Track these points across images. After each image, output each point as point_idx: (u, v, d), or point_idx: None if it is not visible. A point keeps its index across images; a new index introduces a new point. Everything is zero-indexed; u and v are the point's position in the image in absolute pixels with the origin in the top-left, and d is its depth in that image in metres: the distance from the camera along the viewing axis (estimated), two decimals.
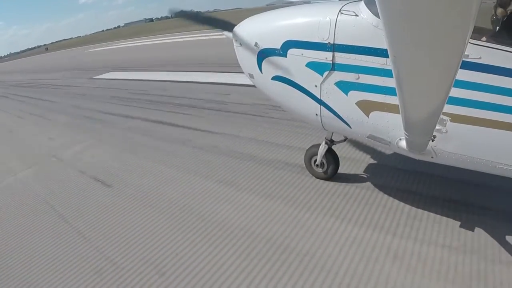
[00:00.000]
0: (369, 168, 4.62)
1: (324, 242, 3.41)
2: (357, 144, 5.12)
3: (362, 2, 3.00)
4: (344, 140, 4.31)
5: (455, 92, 2.49)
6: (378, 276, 2.94)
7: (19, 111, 14.36)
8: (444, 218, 3.47)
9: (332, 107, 3.41)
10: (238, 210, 4.14)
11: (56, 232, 4.47)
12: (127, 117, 9.47)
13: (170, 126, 7.96)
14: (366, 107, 3.15)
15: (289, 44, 3.43)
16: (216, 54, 15.52)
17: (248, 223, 3.89)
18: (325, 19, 3.13)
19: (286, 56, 3.49)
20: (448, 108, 2.36)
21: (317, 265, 3.15)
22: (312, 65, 3.34)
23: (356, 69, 3.07)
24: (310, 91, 3.48)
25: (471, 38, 2.20)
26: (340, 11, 3.08)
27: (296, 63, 3.45)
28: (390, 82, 2.84)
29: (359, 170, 4.61)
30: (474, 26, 1.19)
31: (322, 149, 4.22)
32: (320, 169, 4.44)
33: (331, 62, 3.20)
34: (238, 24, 4.15)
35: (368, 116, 3.19)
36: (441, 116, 2.52)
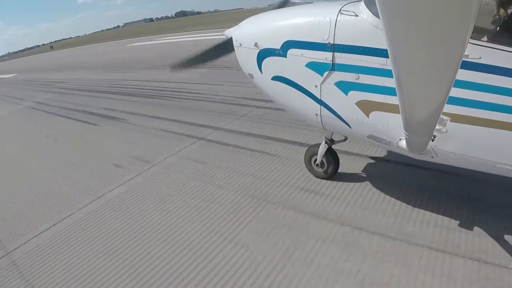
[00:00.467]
0: (369, 167, 4.62)
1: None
2: (358, 143, 5.13)
3: (362, 2, 3.00)
4: (345, 139, 4.31)
5: (455, 92, 2.49)
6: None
7: None
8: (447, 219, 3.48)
9: (332, 107, 3.42)
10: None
11: None
12: None
13: None
14: (366, 107, 3.16)
15: (289, 44, 3.44)
16: None
17: None
18: (325, 19, 3.14)
19: (286, 56, 3.49)
20: (448, 108, 2.36)
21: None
22: (312, 65, 3.34)
23: (356, 69, 3.07)
24: (310, 91, 3.48)
25: (471, 38, 2.21)
26: (340, 11, 3.08)
27: (296, 63, 3.45)
28: (390, 82, 2.84)
29: (360, 169, 4.61)
30: (474, 26, 1.19)
31: (322, 148, 4.22)
32: (320, 168, 4.44)
33: (331, 62, 3.20)
34: (238, 24, 4.15)
35: (368, 116, 3.19)
36: (441, 116, 2.52)
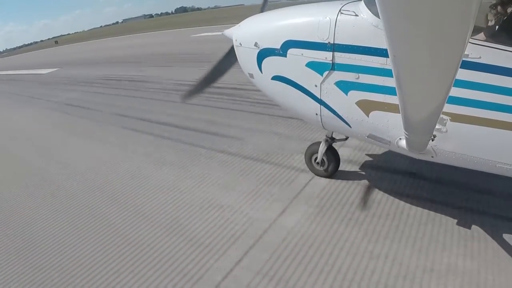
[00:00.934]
0: (369, 166, 4.62)
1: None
2: (358, 142, 5.13)
3: (362, 2, 3.00)
4: (345, 138, 4.31)
5: (455, 92, 2.49)
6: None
7: None
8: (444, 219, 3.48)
9: (332, 107, 3.42)
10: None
11: None
12: None
13: None
14: (366, 106, 3.16)
15: (289, 44, 3.44)
16: None
17: None
18: (325, 19, 3.14)
19: (286, 56, 3.50)
20: (448, 107, 2.37)
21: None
22: (312, 65, 3.35)
23: (356, 69, 3.07)
24: (310, 90, 3.48)
25: (471, 38, 2.21)
26: (340, 11, 3.08)
27: (296, 63, 3.45)
28: (390, 82, 2.84)
29: (360, 168, 4.62)
30: (474, 26, 1.20)
31: (323, 147, 4.23)
32: (321, 167, 4.45)
33: (331, 62, 3.20)
34: (238, 24, 4.15)
35: (368, 116, 3.19)
36: (441, 115, 2.52)
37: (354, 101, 3.21)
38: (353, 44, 3.02)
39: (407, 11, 1.14)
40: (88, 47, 44.45)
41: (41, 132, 9.46)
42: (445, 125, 2.73)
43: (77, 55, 34.89)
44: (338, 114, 3.41)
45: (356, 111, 3.24)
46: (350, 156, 4.94)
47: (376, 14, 2.78)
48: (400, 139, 3.08)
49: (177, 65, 16.09)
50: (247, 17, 4.10)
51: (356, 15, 2.98)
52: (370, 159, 4.82)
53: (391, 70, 1.64)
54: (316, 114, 3.58)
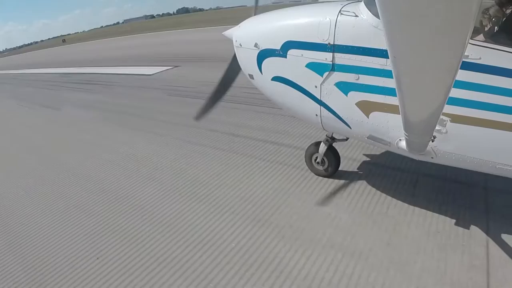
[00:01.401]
0: (370, 165, 4.62)
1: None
2: (358, 142, 5.12)
3: (362, 3, 3.00)
4: (346, 139, 4.30)
5: (455, 93, 2.49)
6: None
7: None
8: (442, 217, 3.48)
9: (332, 108, 3.42)
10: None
11: None
12: None
13: None
14: (366, 107, 3.16)
15: (289, 45, 3.44)
16: None
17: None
18: (325, 20, 3.14)
19: (286, 57, 3.49)
20: (448, 108, 2.37)
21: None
22: (312, 66, 3.34)
23: (356, 69, 3.07)
24: (310, 91, 3.48)
25: (471, 38, 2.21)
26: (340, 11, 3.08)
27: (296, 64, 3.45)
28: (390, 83, 2.84)
29: (360, 167, 4.62)
30: (474, 26, 1.20)
31: (323, 146, 4.22)
32: (321, 166, 4.44)
33: (331, 62, 3.20)
34: (238, 25, 4.15)
35: (368, 117, 3.19)
36: (441, 116, 2.52)
37: (354, 102, 3.20)
38: (353, 45, 3.02)
39: (407, 12, 1.14)
40: (107, 45, 40.66)
41: None
42: (445, 126, 2.73)
43: (111, 52, 30.45)
44: (338, 115, 3.41)
45: (356, 112, 3.24)
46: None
47: (376, 15, 2.78)
48: (400, 140, 3.08)
49: None
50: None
51: (356, 16, 2.98)
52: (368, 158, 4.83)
53: (391, 71, 1.64)
54: (316, 115, 3.58)
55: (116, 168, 6.04)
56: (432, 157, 3.03)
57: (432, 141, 2.71)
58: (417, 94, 1.79)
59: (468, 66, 2.45)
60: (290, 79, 3.59)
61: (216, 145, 6.18)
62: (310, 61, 3.34)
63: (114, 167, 6.10)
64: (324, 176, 4.49)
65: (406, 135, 2.55)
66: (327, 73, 3.26)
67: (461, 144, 2.80)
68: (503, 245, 3.07)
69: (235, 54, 4.18)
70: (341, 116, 3.40)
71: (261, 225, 3.80)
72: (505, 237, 3.15)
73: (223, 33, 4.44)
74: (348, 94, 3.22)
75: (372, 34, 2.87)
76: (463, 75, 2.42)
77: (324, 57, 3.22)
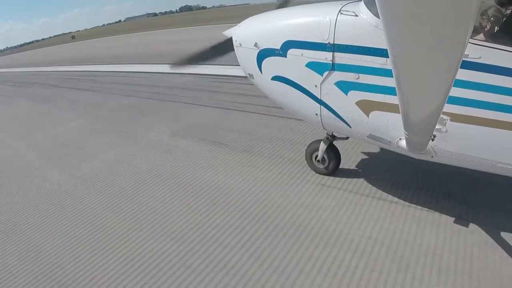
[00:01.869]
0: (370, 164, 4.62)
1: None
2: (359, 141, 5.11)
3: (362, 3, 3.01)
4: (346, 138, 4.30)
5: (455, 92, 2.49)
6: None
7: None
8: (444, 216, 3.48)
9: (332, 107, 3.42)
10: None
11: None
12: None
13: None
14: (366, 107, 3.16)
15: (289, 44, 3.44)
16: None
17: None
18: (325, 19, 3.14)
19: (286, 56, 3.50)
20: (448, 107, 2.37)
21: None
22: (312, 65, 3.35)
23: (356, 69, 3.07)
24: (310, 91, 3.48)
25: (471, 38, 2.21)
26: (340, 11, 3.09)
27: (296, 63, 3.45)
28: (390, 82, 2.84)
29: (361, 166, 4.62)
30: (474, 26, 1.20)
31: (323, 144, 4.23)
32: (321, 164, 4.45)
33: (331, 62, 3.21)
34: (238, 24, 4.16)
35: (368, 116, 3.19)
36: (441, 115, 2.52)
37: (354, 101, 3.21)
38: (353, 45, 3.02)
39: (407, 12, 1.14)
40: (116, 42, 38.06)
41: None
42: (445, 125, 2.73)
43: (130, 49, 27.27)
44: (338, 114, 3.42)
45: (356, 111, 3.24)
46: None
47: (376, 15, 2.78)
48: (400, 139, 3.08)
49: None
50: None
51: (356, 16, 2.98)
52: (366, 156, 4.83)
53: (391, 70, 1.64)
54: (316, 114, 3.58)
55: None
56: (432, 156, 3.03)
57: (432, 140, 2.72)
58: (417, 93, 1.80)
59: (468, 65, 2.45)
60: (290, 79, 3.59)
61: None
62: (310, 61, 3.34)
63: None
64: (325, 174, 4.49)
65: (406, 134, 2.55)
66: (327, 72, 3.27)
67: (461, 143, 2.81)
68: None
69: (227, 40, 4.18)
70: (341, 115, 3.40)
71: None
72: None
73: (223, 32, 4.44)
74: (348, 94, 3.22)
75: (372, 33, 2.87)
76: (463, 74, 2.42)
77: (324, 57, 3.22)
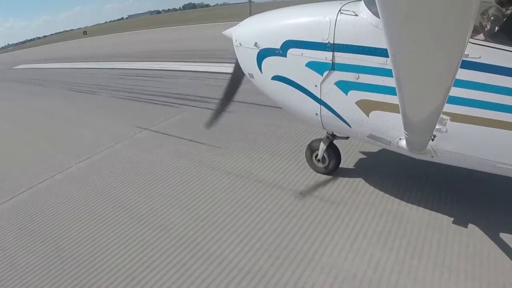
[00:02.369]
0: (370, 163, 4.62)
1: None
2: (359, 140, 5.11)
3: (362, 2, 3.00)
4: (347, 137, 4.30)
5: (455, 92, 2.50)
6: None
7: None
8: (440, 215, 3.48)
9: (332, 107, 3.42)
10: None
11: None
12: None
13: None
14: (366, 106, 3.16)
15: (289, 44, 3.44)
16: None
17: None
18: (325, 19, 3.14)
19: (286, 56, 3.49)
20: (448, 107, 2.37)
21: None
22: (312, 65, 3.34)
23: (356, 68, 3.07)
24: (310, 90, 3.48)
25: (471, 38, 2.21)
26: (340, 11, 3.08)
27: (296, 63, 3.45)
28: (390, 82, 2.84)
29: (361, 165, 4.62)
30: (474, 26, 1.20)
31: (324, 144, 4.23)
32: (322, 164, 4.45)
33: (331, 61, 3.20)
34: (238, 24, 4.15)
35: (368, 116, 3.19)
36: (441, 115, 2.52)
37: (354, 101, 3.20)
38: (353, 44, 3.02)
39: (407, 11, 1.14)
40: (136, 38, 35.81)
41: None
42: (445, 125, 2.73)
43: (145, 45, 25.81)
44: (338, 114, 3.41)
45: (356, 111, 3.24)
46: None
47: (376, 14, 2.77)
48: (400, 139, 3.08)
49: None
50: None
51: (356, 15, 2.98)
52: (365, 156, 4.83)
53: (391, 70, 1.64)
54: (316, 114, 3.58)
55: None
56: (432, 156, 3.03)
57: (432, 140, 2.72)
58: (417, 93, 1.80)
59: (468, 65, 2.45)
60: (290, 78, 3.59)
61: None
62: (310, 60, 3.34)
63: None
64: (325, 174, 4.49)
65: (406, 134, 2.55)
66: (327, 72, 3.26)
67: (461, 143, 2.80)
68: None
69: (237, 64, 4.20)
70: (341, 115, 3.40)
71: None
72: None
73: (222, 32, 4.44)
74: (348, 93, 3.22)
75: (372, 33, 2.87)
76: (463, 74, 2.42)
77: (324, 56, 3.22)
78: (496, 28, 2.74)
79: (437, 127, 2.59)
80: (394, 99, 2.83)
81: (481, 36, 2.64)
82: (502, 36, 2.54)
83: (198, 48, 18.48)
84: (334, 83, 3.27)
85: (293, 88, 3.61)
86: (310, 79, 3.41)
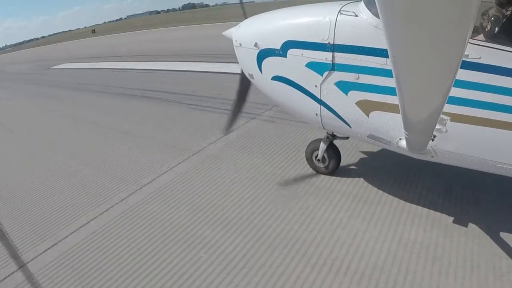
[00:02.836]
0: (370, 163, 4.62)
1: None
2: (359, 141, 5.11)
3: (362, 3, 3.00)
4: (347, 138, 4.30)
5: (455, 92, 2.49)
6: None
7: None
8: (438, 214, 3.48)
9: (332, 107, 3.42)
10: None
11: None
12: None
13: None
14: (366, 107, 3.16)
15: (289, 44, 3.44)
16: None
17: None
18: (324, 19, 3.14)
19: (286, 56, 3.50)
20: (448, 107, 2.37)
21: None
22: (312, 65, 3.35)
23: (356, 69, 3.07)
24: (310, 91, 3.48)
25: (471, 38, 2.21)
26: (339, 11, 3.09)
27: (296, 63, 3.45)
28: (390, 82, 2.84)
29: (361, 165, 4.62)
30: (475, 27, 1.20)
31: (324, 144, 4.23)
32: (322, 164, 4.45)
33: (331, 62, 3.21)
34: (238, 24, 4.15)
35: (368, 116, 3.19)
36: (441, 115, 2.52)
37: (354, 101, 3.21)
38: (353, 45, 3.02)
39: (407, 12, 1.14)
40: (149, 37, 33.03)
41: None
42: (445, 125, 2.73)
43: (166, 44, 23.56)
44: (338, 114, 3.41)
45: (356, 111, 3.24)
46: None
47: (376, 15, 2.78)
48: (400, 139, 3.08)
49: None
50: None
51: (356, 16, 2.98)
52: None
53: (391, 70, 1.64)
54: (316, 114, 3.58)
55: None
56: (432, 156, 3.03)
57: (432, 140, 2.72)
58: (417, 94, 1.80)
59: (468, 65, 2.45)
60: (290, 79, 3.59)
61: None
62: (310, 61, 3.34)
63: None
64: (325, 174, 4.49)
65: (406, 134, 2.55)
66: (327, 72, 3.27)
67: (461, 143, 2.81)
68: None
69: (241, 80, 4.30)
70: (341, 115, 3.40)
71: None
72: None
73: (222, 33, 4.45)
74: (348, 94, 3.22)
75: (372, 33, 2.87)
76: (463, 75, 2.42)
77: (324, 57, 3.22)
78: (496, 28, 2.74)
79: (437, 127, 2.59)
80: (394, 99, 2.83)
81: (481, 36, 2.64)
82: (502, 37, 2.54)
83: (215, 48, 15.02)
84: (334, 84, 3.27)
85: (293, 89, 3.61)
86: (310, 80, 3.41)
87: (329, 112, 3.46)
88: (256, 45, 3.73)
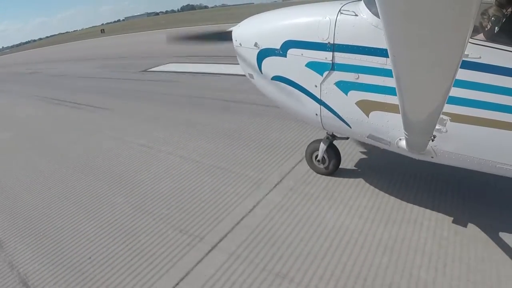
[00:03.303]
0: (370, 163, 4.62)
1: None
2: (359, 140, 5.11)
3: (362, 2, 3.00)
4: (347, 138, 4.29)
5: (455, 92, 2.49)
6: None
7: None
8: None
9: (332, 107, 3.42)
10: None
11: None
12: None
13: None
14: (366, 107, 3.16)
15: (289, 44, 3.44)
16: None
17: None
18: (324, 19, 3.14)
19: (286, 56, 3.49)
20: (448, 107, 2.36)
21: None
22: (312, 65, 3.34)
23: (356, 69, 3.07)
24: (310, 91, 3.48)
25: (471, 38, 2.21)
26: (339, 11, 3.08)
27: (296, 63, 3.45)
28: (390, 82, 2.84)
29: (361, 165, 4.61)
30: (475, 26, 1.20)
31: (324, 144, 4.23)
32: (322, 164, 4.44)
33: (331, 62, 3.20)
34: (238, 24, 4.15)
35: (368, 116, 3.19)
36: (441, 115, 2.52)
37: (354, 101, 3.20)
38: (353, 44, 3.02)
39: (407, 11, 1.14)
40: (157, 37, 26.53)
41: None
42: (445, 126, 2.73)
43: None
44: (338, 114, 3.41)
45: (356, 112, 3.24)
46: None
47: (376, 14, 2.77)
48: (400, 139, 3.08)
49: None
50: None
51: (356, 15, 2.98)
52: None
53: (391, 70, 1.64)
54: (316, 114, 3.58)
55: None
56: (432, 157, 3.03)
57: (432, 141, 2.72)
58: (417, 93, 1.79)
59: (468, 65, 2.45)
60: (290, 79, 3.59)
61: None
62: (310, 61, 3.34)
63: None
64: (325, 174, 4.49)
65: (406, 134, 2.55)
66: (327, 72, 3.26)
67: (461, 143, 2.80)
68: None
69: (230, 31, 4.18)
70: (341, 115, 3.40)
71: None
72: None
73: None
74: (348, 94, 3.22)
75: (372, 33, 2.87)
76: (463, 74, 2.42)
77: (324, 57, 3.22)
78: (496, 28, 2.74)
79: (437, 127, 2.59)
80: (394, 99, 2.83)
81: (481, 36, 2.64)
82: (502, 37, 2.54)
83: None
84: (334, 83, 3.27)
85: (293, 89, 3.61)
86: (310, 80, 3.41)
87: (329, 112, 3.46)
88: (256, 45, 3.73)
